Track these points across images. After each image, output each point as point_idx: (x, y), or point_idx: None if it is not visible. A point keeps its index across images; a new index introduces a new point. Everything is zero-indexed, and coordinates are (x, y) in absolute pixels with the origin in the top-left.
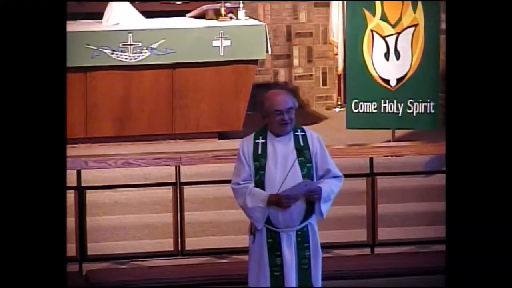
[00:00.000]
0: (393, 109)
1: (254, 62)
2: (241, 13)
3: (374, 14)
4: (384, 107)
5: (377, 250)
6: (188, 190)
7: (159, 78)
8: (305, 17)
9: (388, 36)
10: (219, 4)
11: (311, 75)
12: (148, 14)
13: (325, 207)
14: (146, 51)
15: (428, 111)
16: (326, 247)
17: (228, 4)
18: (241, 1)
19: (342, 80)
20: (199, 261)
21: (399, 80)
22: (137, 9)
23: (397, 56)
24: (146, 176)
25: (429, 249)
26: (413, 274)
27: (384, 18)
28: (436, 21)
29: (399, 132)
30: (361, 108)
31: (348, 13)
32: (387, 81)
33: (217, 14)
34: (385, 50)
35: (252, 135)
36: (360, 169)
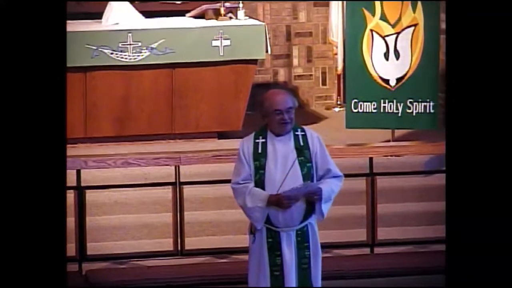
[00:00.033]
0: (393, 109)
1: (254, 62)
2: (240, 13)
3: (373, 14)
4: (384, 107)
5: (377, 250)
6: (187, 190)
7: (158, 78)
8: (304, 17)
9: (387, 36)
10: (218, 4)
11: (310, 75)
12: (147, 14)
13: (325, 207)
14: (145, 51)
15: (427, 111)
16: (326, 247)
17: (227, 4)
18: (240, 1)
19: (341, 80)
20: (199, 261)
21: (398, 80)
22: (136, 9)
23: (397, 56)
24: (146, 176)
25: (428, 249)
26: (412, 274)
27: (383, 18)
28: (435, 21)
29: (398, 132)
30: (360, 108)
31: (348, 13)
32: (386, 81)
33: (216, 14)
34: (384, 50)
35: (252, 135)
36: (360, 169)
